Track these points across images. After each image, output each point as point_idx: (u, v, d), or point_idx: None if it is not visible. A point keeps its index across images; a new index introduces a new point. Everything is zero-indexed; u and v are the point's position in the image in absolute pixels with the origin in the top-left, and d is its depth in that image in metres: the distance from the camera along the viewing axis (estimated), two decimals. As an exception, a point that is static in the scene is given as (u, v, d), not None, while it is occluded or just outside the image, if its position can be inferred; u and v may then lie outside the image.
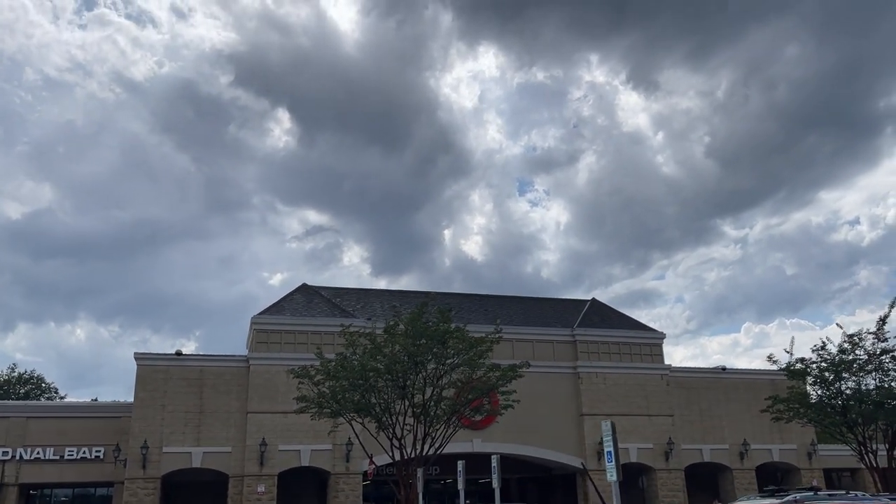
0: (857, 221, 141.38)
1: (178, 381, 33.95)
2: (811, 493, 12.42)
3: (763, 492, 15.05)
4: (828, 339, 31.40)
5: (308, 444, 33.89)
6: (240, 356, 35.76)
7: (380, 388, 24.87)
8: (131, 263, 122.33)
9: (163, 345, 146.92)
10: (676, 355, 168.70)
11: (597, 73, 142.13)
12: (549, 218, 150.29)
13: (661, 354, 41.60)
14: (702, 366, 45.20)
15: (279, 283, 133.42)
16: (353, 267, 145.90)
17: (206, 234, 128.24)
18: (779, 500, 10.50)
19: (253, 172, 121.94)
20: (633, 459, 38.83)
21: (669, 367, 41.44)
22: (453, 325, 25.88)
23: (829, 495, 12.23)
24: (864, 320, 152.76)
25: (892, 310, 30.42)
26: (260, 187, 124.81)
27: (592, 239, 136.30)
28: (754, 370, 43.30)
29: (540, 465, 40.69)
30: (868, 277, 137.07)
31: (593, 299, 45.36)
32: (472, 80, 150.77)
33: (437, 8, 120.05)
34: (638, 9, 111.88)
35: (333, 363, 25.19)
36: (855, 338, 30.81)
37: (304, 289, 39.39)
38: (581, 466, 37.42)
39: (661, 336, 42.07)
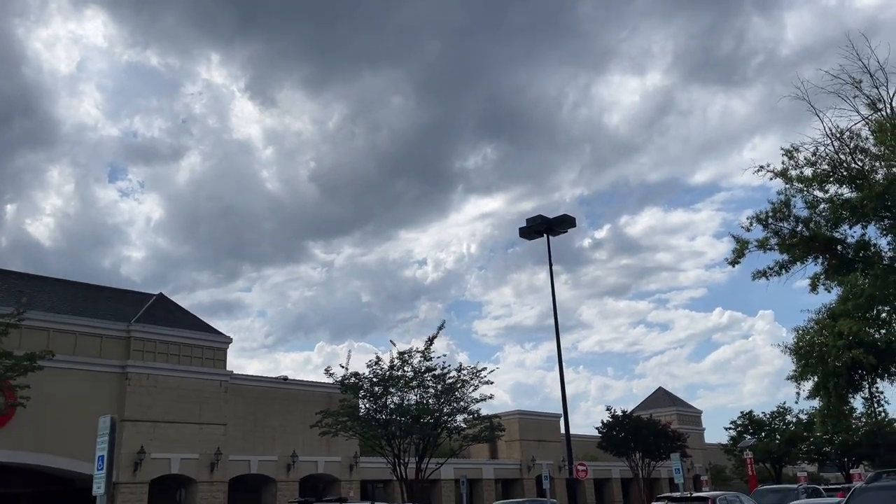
0: (424, 262, 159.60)
1: None
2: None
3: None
4: (379, 357, 32.85)
5: None
6: None
7: None
8: None
9: None
10: (251, 368, 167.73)
11: (215, 73, 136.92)
12: (140, 212, 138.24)
13: (223, 360, 39.36)
14: (267, 375, 44.14)
15: None
16: None
17: None
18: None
19: None
20: (175, 471, 35.66)
21: (231, 374, 39.40)
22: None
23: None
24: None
25: (440, 331, 33.23)
26: None
27: (184, 241, 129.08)
28: (315, 382, 43.60)
29: (60, 476, 34.80)
30: (426, 311, 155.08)
31: (160, 294, 41.18)
32: (72, 43, 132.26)
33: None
34: (266, 22, 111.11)
35: None
36: (405, 355, 32.68)
37: None
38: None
39: (227, 340, 39.91)
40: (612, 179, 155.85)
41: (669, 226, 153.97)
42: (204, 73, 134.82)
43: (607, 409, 50.75)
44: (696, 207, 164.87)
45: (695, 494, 22.48)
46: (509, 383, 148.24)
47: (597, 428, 51.34)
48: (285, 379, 42.24)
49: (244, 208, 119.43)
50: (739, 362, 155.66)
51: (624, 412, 50.19)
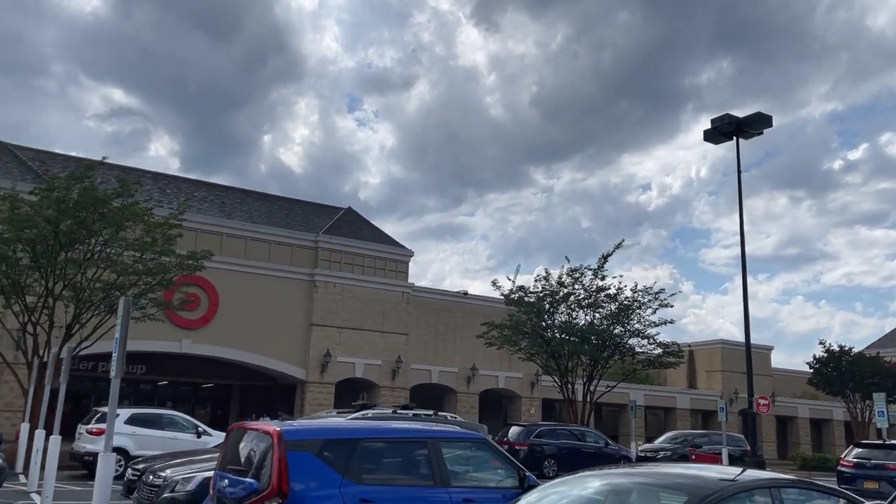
0: (648, 187, 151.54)
1: None
2: (389, 412, 11.29)
3: (349, 407, 14.94)
4: (548, 272, 31.38)
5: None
6: None
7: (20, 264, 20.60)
8: None
9: None
10: (474, 288, 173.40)
11: (442, 0, 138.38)
12: (375, 140, 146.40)
13: (405, 272, 40.31)
14: (448, 289, 44.70)
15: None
16: (159, 159, 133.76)
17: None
18: (352, 415, 9.14)
19: (52, 35, 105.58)
20: (359, 375, 37.61)
21: (412, 286, 40.33)
22: (131, 200, 21.96)
23: (415, 415, 11.06)
24: (636, 276, 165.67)
25: (616, 249, 30.95)
26: (61, 54, 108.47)
27: (414, 168, 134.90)
28: (494, 298, 43.20)
29: (264, 373, 38.22)
30: (649, 238, 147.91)
31: (349, 208, 42.94)
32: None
33: None
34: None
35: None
36: (576, 273, 30.90)
37: (-2, 146, 32.78)
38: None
39: (409, 253, 40.74)
40: (873, 91, 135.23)
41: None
42: (431, 0, 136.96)
43: (820, 343, 44.97)
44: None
45: (888, 441, 18.88)
46: (738, 316, 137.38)
47: (808, 363, 45.81)
48: (465, 294, 42.39)
49: (468, 135, 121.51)
50: None
51: (841, 347, 44.09)
